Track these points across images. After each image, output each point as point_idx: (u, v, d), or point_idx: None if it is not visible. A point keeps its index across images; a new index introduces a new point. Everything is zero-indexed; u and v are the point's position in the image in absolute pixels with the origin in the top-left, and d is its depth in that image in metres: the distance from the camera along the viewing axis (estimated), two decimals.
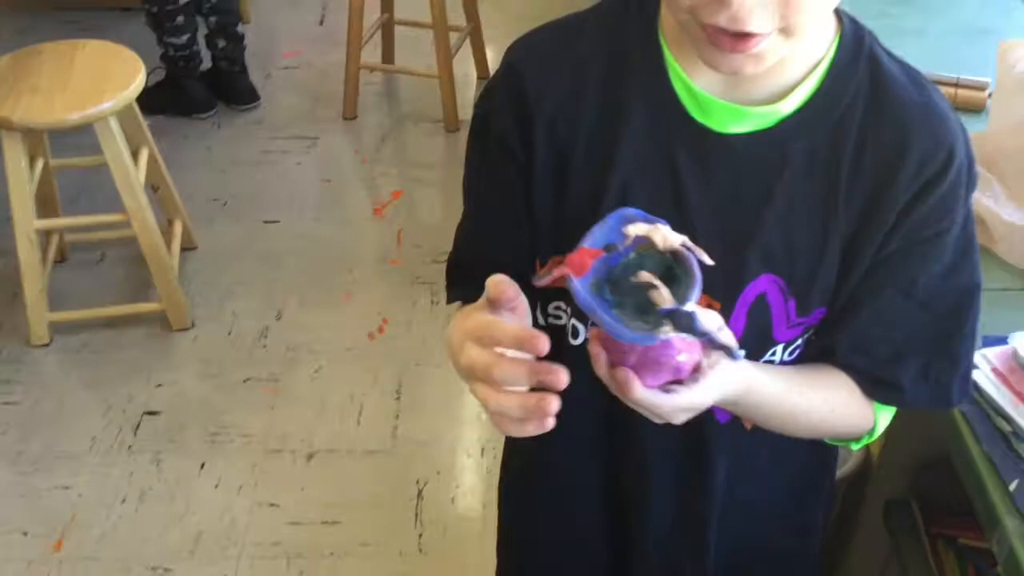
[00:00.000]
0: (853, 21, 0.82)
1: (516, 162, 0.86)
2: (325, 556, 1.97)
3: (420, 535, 2.01)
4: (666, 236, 0.69)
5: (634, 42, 0.82)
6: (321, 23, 3.68)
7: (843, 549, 1.56)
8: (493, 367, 0.65)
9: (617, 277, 0.70)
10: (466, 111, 3.13)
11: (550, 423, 0.64)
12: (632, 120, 0.81)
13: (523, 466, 1.08)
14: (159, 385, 2.34)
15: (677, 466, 0.94)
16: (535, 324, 0.89)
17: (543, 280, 0.71)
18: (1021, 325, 1.12)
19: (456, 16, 3.26)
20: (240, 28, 3.15)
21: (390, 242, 2.76)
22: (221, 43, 3.11)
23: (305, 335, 2.48)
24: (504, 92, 0.86)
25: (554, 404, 0.63)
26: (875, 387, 0.87)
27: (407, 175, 3.06)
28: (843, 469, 1.51)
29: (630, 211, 0.71)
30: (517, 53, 0.87)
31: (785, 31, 0.69)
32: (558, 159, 0.84)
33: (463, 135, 0.94)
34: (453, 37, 3.14)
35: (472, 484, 2.13)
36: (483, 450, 2.19)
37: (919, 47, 1.68)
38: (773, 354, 0.86)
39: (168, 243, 2.48)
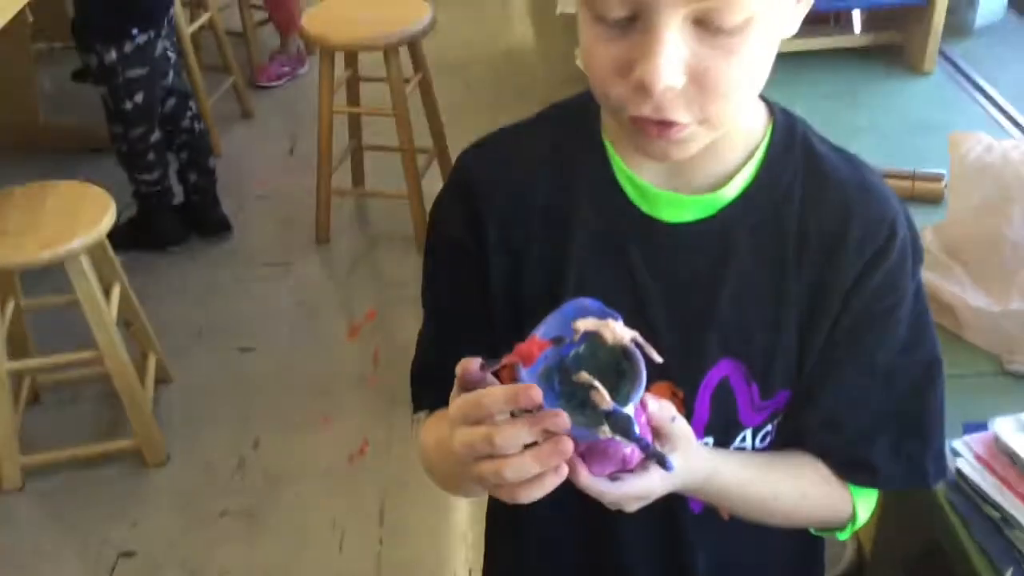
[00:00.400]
0: (784, 111, 0.85)
1: (471, 262, 0.86)
2: None
3: None
4: (615, 331, 0.70)
5: (579, 142, 0.85)
6: (291, 152, 3.74)
7: None
8: (494, 435, 0.65)
9: (568, 367, 0.71)
10: None
11: (564, 471, 0.66)
12: (582, 216, 0.83)
13: (505, 571, 1.05)
14: (135, 524, 2.28)
15: (657, 562, 0.92)
16: None
17: (492, 367, 0.71)
18: (1000, 409, 1.12)
19: (423, 138, 3.33)
20: (211, 162, 3.19)
21: (366, 363, 2.75)
22: (193, 177, 3.14)
23: (283, 462, 2.43)
24: (454, 196, 0.88)
25: (568, 444, 0.65)
26: (848, 469, 0.87)
27: (381, 295, 3.07)
28: (838, 567, 1.47)
29: (586, 302, 0.72)
30: (466, 159, 0.90)
31: (705, 121, 0.71)
32: (512, 258, 0.85)
33: None
34: (421, 158, 3.20)
35: None
36: (470, 571, 2.13)
37: (873, 143, 1.73)
38: (743, 439, 0.86)
39: (142, 378, 2.45)
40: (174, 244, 3.16)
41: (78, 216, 2.24)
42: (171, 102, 2.99)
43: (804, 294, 0.82)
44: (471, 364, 0.70)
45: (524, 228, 0.85)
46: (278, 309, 2.97)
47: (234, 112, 3.92)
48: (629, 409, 0.68)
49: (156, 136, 2.94)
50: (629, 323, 0.71)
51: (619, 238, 0.83)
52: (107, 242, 2.34)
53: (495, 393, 0.66)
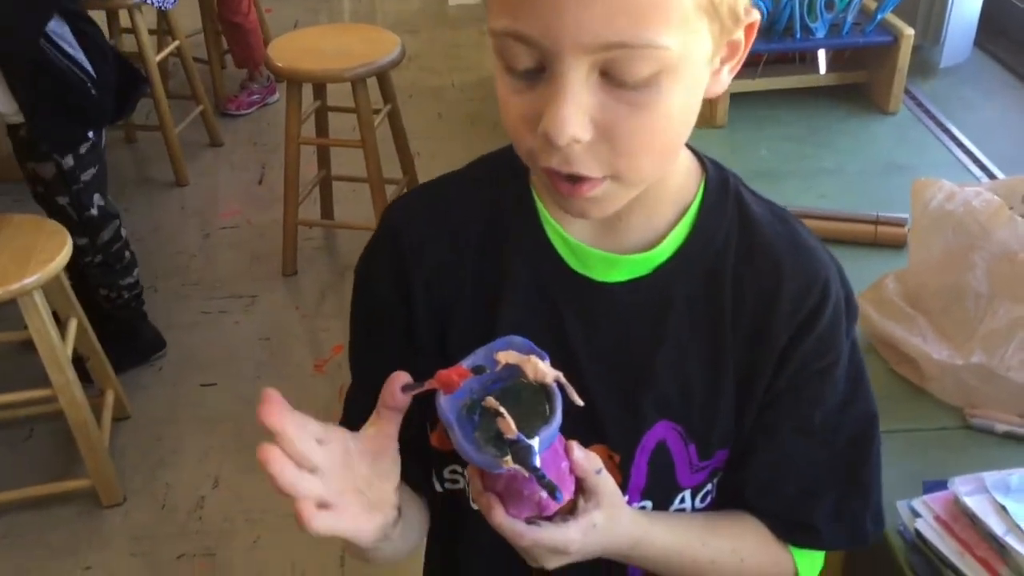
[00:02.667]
0: (716, 165, 0.84)
1: (395, 323, 0.84)
2: None
3: None
4: (538, 368, 0.69)
5: (508, 197, 0.83)
6: (260, 182, 3.70)
7: None
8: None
9: (490, 401, 0.70)
10: None
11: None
12: (512, 274, 0.81)
13: None
14: (88, 568, 2.22)
15: None
16: (433, 491, 0.89)
17: (414, 390, 0.70)
18: (960, 466, 1.09)
19: (392, 169, 3.30)
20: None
21: (332, 398, 2.70)
22: None
23: (243, 503, 2.38)
24: (381, 252, 0.85)
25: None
26: (789, 531, 0.86)
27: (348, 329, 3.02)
28: None
29: (516, 339, 0.71)
30: (394, 213, 0.87)
31: (617, 178, 0.68)
32: (439, 316, 0.82)
33: None
34: (390, 190, 3.17)
35: None
36: None
37: (838, 186, 1.71)
38: (683, 500, 0.85)
39: (99, 414, 2.40)
40: (159, 350, 2.87)
41: (33, 251, 2.19)
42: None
43: (740, 355, 0.80)
44: (394, 385, 0.70)
45: (452, 287, 0.82)
46: (242, 343, 2.92)
47: (202, 141, 3.88)
48: (534, 442, 0.67)
49: (125, 231, 2.68)
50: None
51: (551, 298, 0.80)
52: (63, 276, 2.29)
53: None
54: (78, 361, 2.39)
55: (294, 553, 2.24)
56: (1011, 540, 0.97)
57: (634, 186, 0.71)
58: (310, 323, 3.05)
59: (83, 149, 2.44)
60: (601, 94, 0.64)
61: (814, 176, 1.74)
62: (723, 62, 0.71)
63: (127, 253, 2.68)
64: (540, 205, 0.81)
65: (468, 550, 0.92)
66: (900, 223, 1.52)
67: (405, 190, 3.28)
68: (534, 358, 0.69)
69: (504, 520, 0.70)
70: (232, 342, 2.93)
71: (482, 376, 0.70)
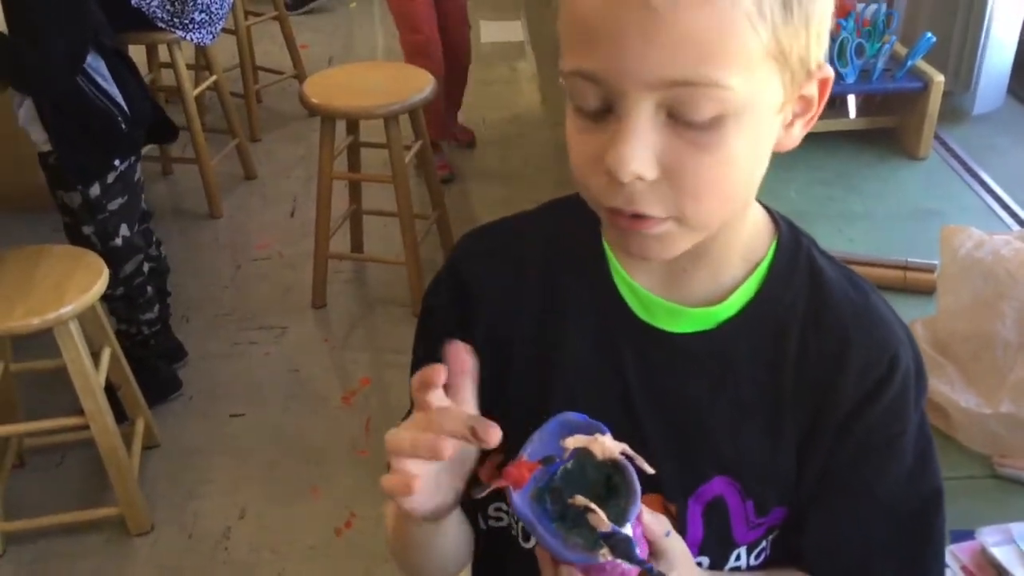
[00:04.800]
0: (790, 224, 0.84)
1: None
2: None
3: None
4: (605, 446, 0.69)
5: (576, 241, 0.83)
6: (292, 215, 3.75)
7: None
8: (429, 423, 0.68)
9: (557, 485, 0.69)
10: None
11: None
12: (576, 318, 0.81)
13: None
14: None
15: None
16: (476, 528, 0.89)
17: (481, 493, 0.71)
18: (987, 515, 1.09)
19: (423, 204, 3.33)
20: (169, 285, 2.91)
21: (358, 431, 2.72)
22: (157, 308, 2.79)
23: (269, 534, 2.39)
24: (448, 286, 0.86)
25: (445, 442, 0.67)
26: None
27: (376, 361, 3.05)
28: None
29: (571, 416, 0.71)
30: (462, 250, 0.88)
31: (681, 220, 0.69)
32: (499, 352, 0.82)
33: None
34: (420, 224, 3.20)
35: None
36: None
37: (866, 231, 1.72)
38: (738, 558, 0.84)
39: (129, 442, 2.42)
40: (173, 391, 2.83)
41: (70, 281, 2.23)
42: (142, 226, 2.69)
43: (802, 418, 0.80)
44: (456, 353, 0.71)
45: (514, 324, 0.83)
46: (271, 374, 2.95)
47: (237, 173, 3.94)
48: (627, 529, 0.66)
49: (147, 266, 2.67)
50: (620, 432, 0.70)
51: (613, 341, 0.81)
52: (99, 306, 2.33)
53: (454, 414, 0.69)
54: (109, 390, 2.42)
55: None
56: None
57: (697, 230, 0.71)
58: (338, 355, 3.07)
59: (111, 179, 2.47)
60: (666, 134, 0.65)
61: (843, 220, 1.74)
62: (796, 116, 0.72)
63: (148, 288, 2.67)
64: (608, 250, 0.82)
65: None
66: (929, 269, 1.52)
67: (435, 225, 3.32)
68: (599, 436, 0.69)
69: None
70: (261, 373, 2.95)
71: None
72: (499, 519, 0.88)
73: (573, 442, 0.69)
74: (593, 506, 0.67)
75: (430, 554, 0.85)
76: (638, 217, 0.69)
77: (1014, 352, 1.24)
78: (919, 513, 0.83)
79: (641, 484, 0.68)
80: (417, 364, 0.91)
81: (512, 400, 0.82)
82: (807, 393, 0.79)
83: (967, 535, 1.08)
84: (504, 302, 0.83)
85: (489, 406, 0.82)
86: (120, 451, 2.30)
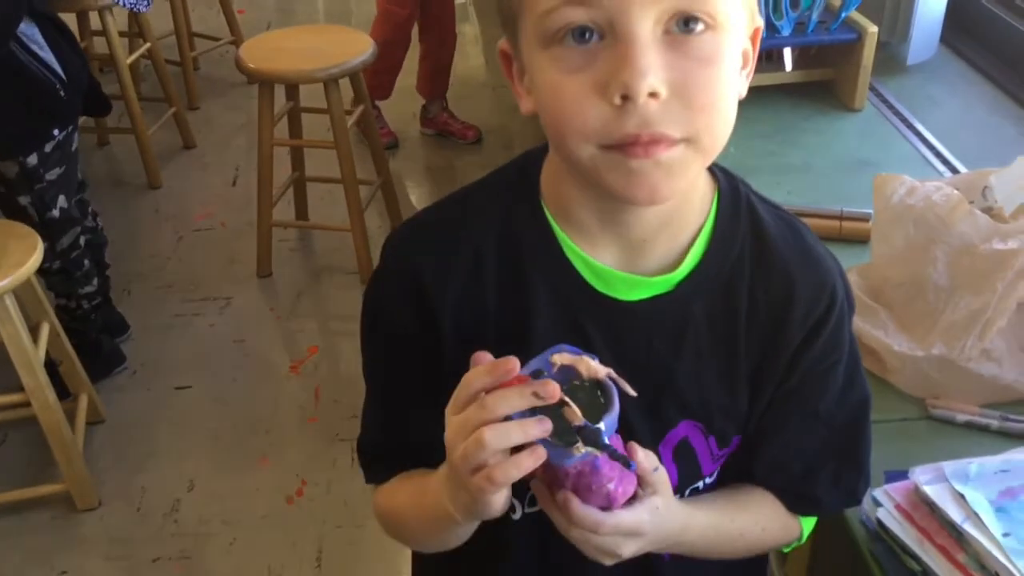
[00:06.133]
0: (725, 173, 0.86)
1: (420, 354, 0.85)
2: None
3: None
4: (590, 366, 0.73)
5: (523, 222, 0.84)
6: (234, 184, 3.69)
7: None
8: (487, 400, 0.70)
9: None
10: None
11: (541, 454, 0.70)
12: (537, 297, 0.83)
13: None
14: (63, 573, 2.21)
15: None
16: None
17: None
18: (921, 456, 1.11)
19: (368, 170, 3.30)
20: (106, 256, 2.84)
21: (308, 400, 2.70)
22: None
23: (219, 505, 2.38)
24: (398, 285, 0.85)
25: (547, 423, 0.69)
26: (796, 502, 0.94)
27: (324, 329, 3.03)
28: None
29: (564, 346, 0.75)
30: (403, 246, 0.87)
31: (692, 140, 0.69)
32: (469, 348, 0.82)
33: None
34: (365, 190, 3.17)
35: None
36: None
37: (804, 182, 1.73)
38: (700, 483, 0.91)
39: (73, 418, 2.39)
40: (119, 365, 2.81)
41: (4, 255, 2.17)
42: (77, 197, 2.62)
43: (754, 359, 0.85)
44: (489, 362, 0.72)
45: (478, 314, 0.83)
46: (216, 345, 2.91)
47: (175, 143, 3.87)
48: (600, 426, 0.72)
49: (84, 239, 2.60)
50: None
51: (575, 315, 0.83)
52: (35, 280, 2.28)
53: (476, 370, 0.71)
54: (51, 366, 2.38)
55: (270, 555, 2.24)
56: (969, 528, 0.99)
57: (705, 154, 0.72)
58: (285, 324, 3.04)
59: (48, 148, 2.40)
60: (668, 51, 0.67)
61: (781, 172, 1.76)
62: (741, 68, 0.74)
63: (86, 262, 2.61)
64: (557, 228, 0.82)
65: (508, 567, 0.94)
66: (864, 218, 1.54)
67: (380, 192, 3.29)
68: (586, 357, 0.73)
69: (582, 511, 0.72)
70: (207, 344, 2.92)
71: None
72: None
73: (560, 359, 0.73)
74: (567, 399, 0.71)
75: (457, 537, 0.85)
76: (652, 142, 0.68)
77: (945, 296, 1.26)
78: (852, 421, 0.91)
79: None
80: (373, 363, 0.91)
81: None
82: (758, 337, 0.85)
83: (901, 475, 1.10)
84: (465, 293, 0.83)
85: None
86: (63, 427, 2.26)
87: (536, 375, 0.73)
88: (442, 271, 0.83)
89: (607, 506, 0.74)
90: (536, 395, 0.69)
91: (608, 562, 0.77)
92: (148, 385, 2.76)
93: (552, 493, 0.75)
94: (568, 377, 0.73)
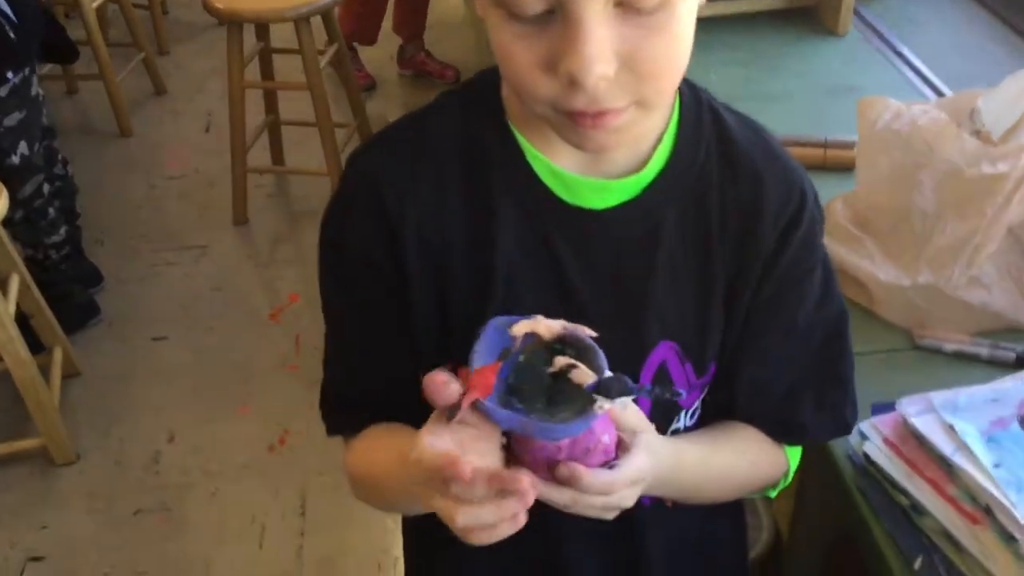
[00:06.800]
0: (688, 82, 0.83)
1: (384, 281, 0.81)
2: None
3: None
4: (549, 325, 0.69)
5: (485, 133, 0.80)
6: (207, 130, 3.61)
7: None
8: (450, 487, 0.65)
9: (517, 384, 0.69)
10: None
11: (522, 520, 0.66)
12: (502, 213, 0.79)
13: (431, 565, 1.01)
14: (44, 527, 2.18)
15: (607, 554, 0.90)
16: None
17: (456, 413, 0.68)
18: (908, 386, 1.08)
19: (344, 113, 3.22)
20: (78, 205, 2.78)
21: (288, 347, 2.66)
22: (64, 229, 2.65)
23: (199, 456, 2.35)
24: (359, 207, 0.81)
25: (529, 498, 0.65)
26: (780, 431, 0.90)
27: (304, 275, 2.98)
28: (753, 551, 1.44)
29: (502, 318, 0.71)
30: (365, 164, 0.83)
31: (641, 103, 0.69)
32: (434, 268, 0.80)
33: None
34: (340, 133, 3.10)
35: None
36: (396, 560, 2.07)
37: (787, 110, 1.68)
38: (678, 421, 0.86)
39: (47, 372, 2.34)
40: (93, 317, 2.74)
41: None
42: (43, 144, 2.53)
43: (728, 267, 0.82)
44: (442, 389, 0.67)
45: (443, 235, 0.79)
46: (194, 295, 2.86)
47: (146, 89, 3.77)
48: (615, 374, 0.67)
49: (47, 187, 2.52)
50: (566, 319, 0.71)
51: (543, 230, 0.79)
52: (1, 231, 2.21)
53: (480, 475, 0.64)
54: (23, 320, 2.33)
55: (253, 505, 2.22)
56: (959, 459, 0.96)
57: (656, 109, 0.72)
58: (264, 272, 2.99)
59: (4, 92, 2.31)
60: (618, 25, 0.65)
61: (764, 100, 1.70)
62: None
63: (51, 210, 2.53)
64: (522, 138, 0.79)
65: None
66: (849, 145, 1.49)
67: (357, 135, 3.21)
68: (539, 317, 0.69)
69: (592, 478, 0.68)
70: (183, 294, 2.86)
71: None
72: None
73: (520, 328, 0.69)
74: (574, 361, 0.67)
75: None
76: (599, 114, 0.68)
77: (932, 222, 1.22)
78: (831, 335, 0.87)
79: None
80: (332, 300, 0.87)
81: (453, 312, 0.80)
82: (731, 242, 0.81)
83: (888, 407, 1.06)
84: (430, 211, 0.79)
85: (431, 327, 0.81)
86: (37, 381, 2.21)
87: (504, 355, 0.68)
88: (404, 189, 0.79)
89: (607, 461, 0.69)
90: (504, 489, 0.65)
91: (611, 516, 0.73)
92: (124, 337, 2.71)
93: (541, 474, 0.68)
94: (514, 352, 0.69)
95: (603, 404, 0.66)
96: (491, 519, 0.66)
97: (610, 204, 0.79)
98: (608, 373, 0.67)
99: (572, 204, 0.78)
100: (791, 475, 0.94)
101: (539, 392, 0.69)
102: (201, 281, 2.91)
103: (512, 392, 0.68)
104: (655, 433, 0.77)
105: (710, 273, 0.81)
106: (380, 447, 0.85)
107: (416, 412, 0.82)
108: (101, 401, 2.51)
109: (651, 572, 0.92)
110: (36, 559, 2.11)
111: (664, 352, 0.82)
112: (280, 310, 2.80)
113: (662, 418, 0.84)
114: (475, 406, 0.67)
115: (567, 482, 0.68)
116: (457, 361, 0.72)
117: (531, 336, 0.69)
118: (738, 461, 0.89)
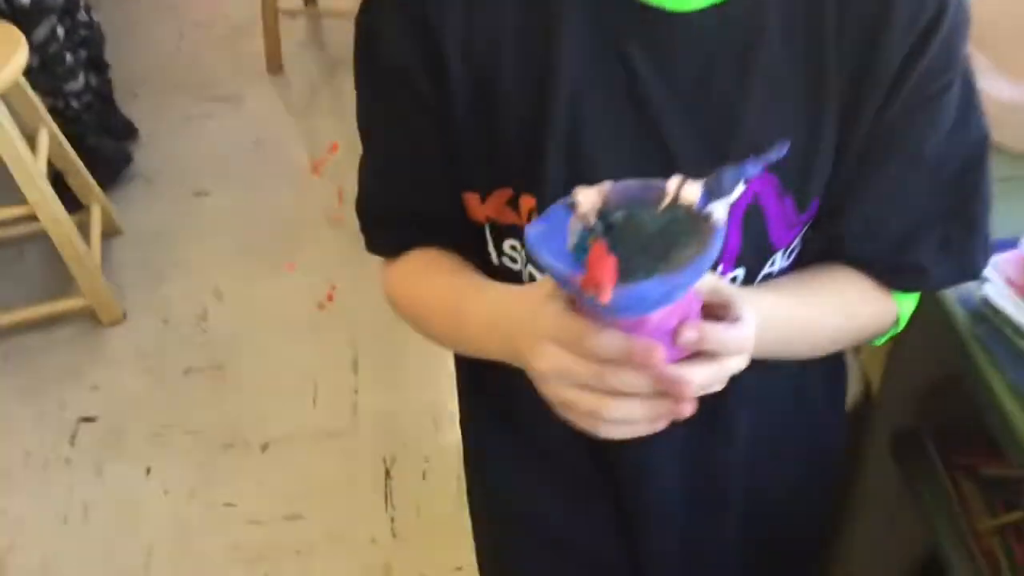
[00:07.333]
0: None
1: (421, 99, 0.71)
2: (290, 555, 1.81)
3: (392, 519, 1.86)
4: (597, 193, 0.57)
5: None
6: None
7: (851, 488, 1.40)
8: (607, 375, 0.55)
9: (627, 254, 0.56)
10: None
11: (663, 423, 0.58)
12: (567, 17, 0.67)
13: (492, 429, 0.93)
14: (94, 387, 2.16)
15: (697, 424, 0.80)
16: (488, 263, 0.79)
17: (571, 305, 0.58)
18: None
19: None
20: (106, 55, 2.69)
21: (331, 200, 2.56)
22: (92, 80, 2.57)
23: (248, 314, 2.29)
24: (398, 11, 0.69)
25: (688, 408, 0.56)
26: (894, 275, 0.78)
27: (344, 125, 2.85)
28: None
29: (561, 203, 0.58)
30: None
31: None
32: (481, 85, 0.69)
33: None
34: None
35: (443, 455, 1.96)
36: (451, 415, 2.02)
37: None
38: (772, 263, 0.75)
39: (87, 232, 2.27)
40: (126, 164, 2.66)
41: None
42: None
43: (845, 81, 0.68)
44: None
45: (494, 41, 0.68)
46: (232, 147, 2.77)
47: None
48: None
49: (61, 30, 2.38)
50: (638, 138, 0.65)
51: (616, 36, 0.67)
52: (23, 81, 2.10)
53: (612, 341, 0.55)
54: (58, 179, 2.25)
55: (305, 362, 2.17)
56: None
57: None
58: (302, 123, 2.88)
59: None
60: None
61: None
62: None
63: (68, 55, 2.40)
64: None
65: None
66: None
67: None
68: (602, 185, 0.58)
69: (726, 330, 0.57)
70: (222, 147, 2.77)
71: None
72: (513, 260, 0.77)
73: (587, 197, 0.57)
74: (674, 184, 0.56)
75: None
76: None
77: None
78: (966, 167, 0.74)
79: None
80: (367, 108, 0.77)
81: (506, 126, 0.70)
82: (851, 49, 0.67)
83: (1010, 244, 0.94)
84: (475, 13, 0.68)
85: (477, 147, 0.71)
86: (75, 240, 2.15)
87: (598, 231, 0.57)
88: None
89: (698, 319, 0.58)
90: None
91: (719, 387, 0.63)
92: (165, 193, 2.63)
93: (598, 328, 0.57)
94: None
95: (719, 211, 0.55)
96: (639, 416, 0.57)
97: (700, 5, 0.66)
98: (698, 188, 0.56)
99: (653, 4, 0.66)
100: (902, 324, 0.82)
101: (647, 253, 0.57)
102: (240, 133, 2.81)
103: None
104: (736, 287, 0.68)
105: (821, 92, 0.68)
106: (433, 280, 0.78)
107: (460, 238, 0.77)
108: (145, 259, 2.45)
109: (736, 439, 0.83)
110: (88, 419, 2.09)
111: (758, 184, 0.70)
112: (321, 162, 2.69)
113: (754, 259, 0.73)
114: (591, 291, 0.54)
115: (697, 344, 0.56)
116: (506, 186, 0.67)
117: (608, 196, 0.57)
118: (831, 313, 0.76)
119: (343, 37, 3.09)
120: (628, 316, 0.55)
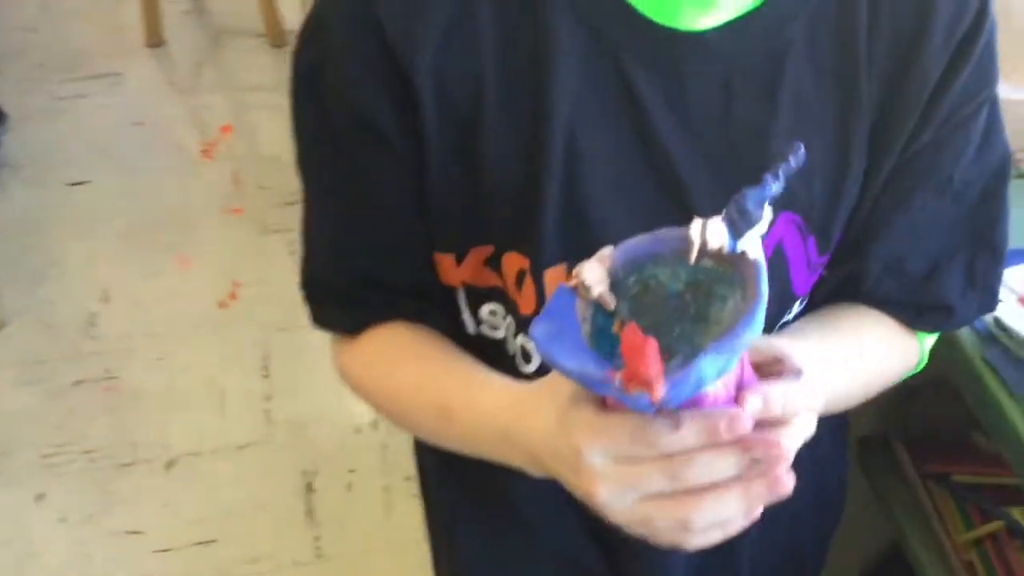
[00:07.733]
0: None
1: (387, 148, 0.63)
2: None
3: (317, 537, 1.74)
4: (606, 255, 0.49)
5: None
6: None
7: None
8: (684, 470, 0.47)
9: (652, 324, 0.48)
10: (291, 20, 2.74)
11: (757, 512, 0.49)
12: (560, 42, 0.59)
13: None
14: None
15: None
16: (462, 331, 0.71)
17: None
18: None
19: None
20: None
21: (226, 186, 2.41)
22: None
23: (141, 315, 2.12)
24: (354, 43, 0.60)
25: (789, 482, 0.48)
26: (919, 316, 0.72)
27: (235, 103, 2.71)
28: None
29: (562, 288, 0.49)
30: None
31: None
32: (459, 127, 0.61)
33: (292, 48, 0.67)
34: None
35: (368, 465, 1.85)
36: (375, 422, 1.91)
37: None
38: (789, 313, 0.70)
39: None
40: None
41: None
42: None
43: (876, 103, 0.62)
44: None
45: (475, 75, 0.59)
46: (112, 130, 2.57)
47: None
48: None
49: None
50: (648, 181, 0.60)
51: (618, 62, 0.59)
52: None
53: (687, 435, 0.46)
54: None
55: (208, 368, 2.02)
56: None
57: None
58: (189, 101, 2.71)
59: None
60: None
61: None
62: None
63: None
64: None
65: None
66: None
67: None
68: (604, 249, 0.50)
69: (788, 390, 0.49)
70: (100, 130, 2.58)
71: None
72: (494, 327, 0.69)
73: (590, 272, 0.48)
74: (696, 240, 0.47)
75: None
76: None
77: None
78: (991, 190, 0.69)
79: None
80: (314, 158, 0.68)
81: (491, 173, 0.62)
82: (883, 73, 0.62)
83: (1022, 255, 0.87)
84: (451, 45, 0.59)
85: (455, 197, 0.63)
86: None
87: (618, 310, 0.49)
88: (415, 21, 0.58)
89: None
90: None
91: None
92: (38, 182, 2.43)
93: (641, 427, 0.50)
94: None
95: (753, 246, 0.47)
96: (733, 508, 0.48)
97: (715, 23, 0.59)
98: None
99: (660, 24, 0.59)
100: (924, 362, 0.77)
101: (681, 319, 0.49)
102: (119, 114, 2.62)
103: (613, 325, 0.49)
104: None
105: (851, 116, 0.62)
106: (407, 374, 0.68)
107: (430, 308, 0.69)
108: (20, 257, 2.25)
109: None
110: None
111: (782, 228, 0.63)
112: (213, 145, 2.53)
113: (776, 311, 0.68)
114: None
115: (764, 411, 0.48)
116: (486, 243, 0.61)
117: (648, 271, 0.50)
118: (872, 348, 0.70)
119: (226, 7, 2.94)
120: (682, 401, 0.46)
